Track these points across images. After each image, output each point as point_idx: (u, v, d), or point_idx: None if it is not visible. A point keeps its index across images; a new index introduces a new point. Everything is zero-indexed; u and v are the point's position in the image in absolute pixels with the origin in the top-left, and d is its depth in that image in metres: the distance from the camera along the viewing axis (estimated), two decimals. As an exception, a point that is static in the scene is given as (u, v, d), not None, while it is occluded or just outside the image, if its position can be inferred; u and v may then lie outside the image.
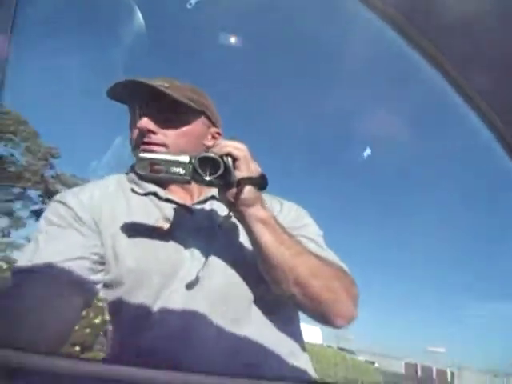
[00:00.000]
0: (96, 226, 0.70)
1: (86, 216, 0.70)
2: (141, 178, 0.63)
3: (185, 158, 0.61)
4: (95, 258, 0.68)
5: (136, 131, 0.74)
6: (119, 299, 0.69)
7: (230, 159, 0.62)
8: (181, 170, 0.61)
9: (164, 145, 0.73)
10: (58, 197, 0.74)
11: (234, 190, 0.62)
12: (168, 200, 0.75)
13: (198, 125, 0.77)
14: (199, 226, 0.73)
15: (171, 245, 0.69)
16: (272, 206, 0.77)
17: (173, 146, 0.73)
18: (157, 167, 0.61)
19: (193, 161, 0.61)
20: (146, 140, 0.72)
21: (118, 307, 0.69)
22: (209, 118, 0.79)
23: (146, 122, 0.71)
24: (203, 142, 0.77)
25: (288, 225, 0.70)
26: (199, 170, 0.61)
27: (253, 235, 0.63)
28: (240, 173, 0.62)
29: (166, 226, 0.71)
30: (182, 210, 0.74)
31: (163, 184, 0.76)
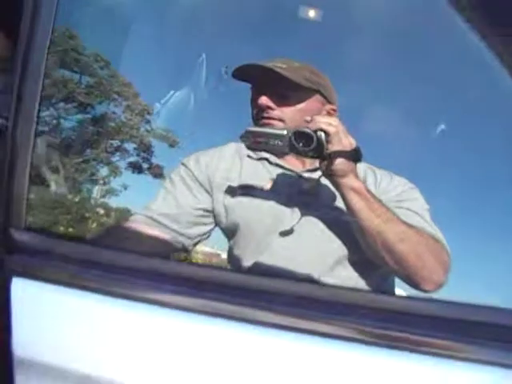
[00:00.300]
0: (209, 185, 0.82)
1: (201, 176, 0.82)
2: (247, 147, 0.73)
3: (283, 132, 0.70)
4: (199, 213, 0.80)
5: (257, 107, 0.82)
6: (230, 246, 0.82)
7: (322, 134, 0.68)
8: (279, 143, 0.70)
9: (281, 120, 0.82)
10: (183, 160, 0.85)
11: (326, 162, 0.69)
12: (278, 165, 0.84)
13: (313, 102, 0.83)
14: (303, 190, 0.81)
15: (274, 203, 0.79)
16: (382, 179, 0.82)
17: (289, 121, 0.81)
18: (259, 139, 0.71)
19: (289, 134, 0.70)
20: (265, 115, 0.80)
21: (229, 253, 0.82)
22: (324, 96, 0.84)
23: (265, 100, 0.80)
24: None
25: (396, 197, 0.77)
26: (295, 143, 0.69)
27: (346, 202, 0.71)
28: (332, 146, 0.68)
29: (272, 186, 0.80)
30: (289, 174, 0.83)
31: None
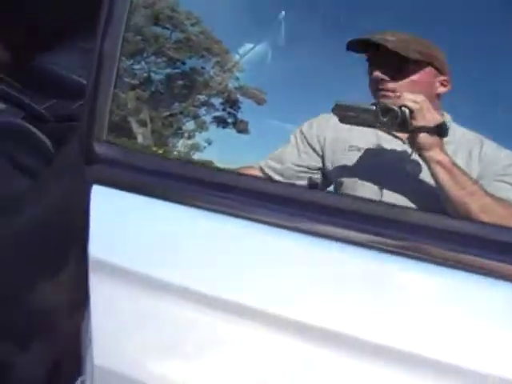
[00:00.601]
0: (319, 146, 0.96)
1: (312, 138, 0.96)
2: (339, 121, 0.82)
3: (372, 107, 0.78)
4: (301, 169, 0.94)
5: (372, 80, 0.89)
6: None
7: (407, 110, 0.75)
8: (368, 117, 0.78)
9: (396, 92, 0.86)
10: (301, 125, 0.99)
11: (411, 136, 0.78)
12: (387, 132, 0.91)
13: (425, 74, 0.88)
14: (403, 157, 0.89)
15: (374, 165, 0.90)
16: (489, 152, 0.85)
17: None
18: (349, 113, 0.79)
19: (377, 109, 0.76)
20: (380, 87, 0.87)
21: None
22: (436, 67, 0.88)
23: (378, 73, 0.87)
24: (432, 89, 0.87)
25: (500, 171, 0.82)
26: (381, 118, 0.76)
27: (432, 174, 0.79)
28: (416, 122, 0.76)
29: (374, 150, 0.91)
30: (394, 141, 0.91)
31: None
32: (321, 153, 0.96)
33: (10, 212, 1.28)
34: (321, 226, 0.63)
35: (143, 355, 0.73)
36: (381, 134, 0.91)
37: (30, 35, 2.19)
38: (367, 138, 0.92)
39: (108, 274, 0.71)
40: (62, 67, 2.21)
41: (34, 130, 1.67)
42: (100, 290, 0.72)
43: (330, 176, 0.95)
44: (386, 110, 0.76)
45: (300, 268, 0.62)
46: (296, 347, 0.61)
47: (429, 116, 0.77)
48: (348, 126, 0.90)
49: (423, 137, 0.77)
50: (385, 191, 0.86)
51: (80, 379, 0.82)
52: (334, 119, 0.91)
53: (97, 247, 0.71)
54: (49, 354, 1.08)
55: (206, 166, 0.84)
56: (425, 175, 0.85)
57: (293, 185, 0.91)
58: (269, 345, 0.64)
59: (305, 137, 0.97)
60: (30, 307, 1.08)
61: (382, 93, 0.87)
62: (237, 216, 0.66)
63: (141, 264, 0.70)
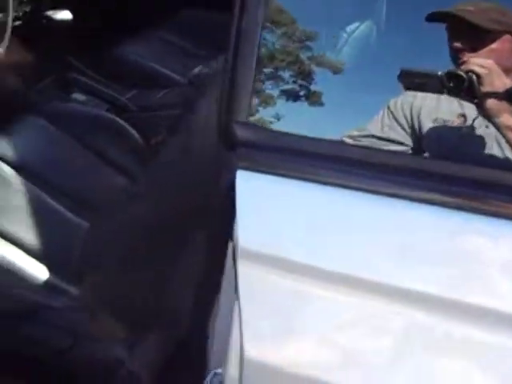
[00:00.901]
0: (405, 121, 0.95)
1: (398, 113, 0.95)
2: (405, 88, 0.85)
3: (437, 73, 0.77)
4: (382, 141, 0.93)
5: (452, 50, 0.88)
6: None
7: (474, 75, 0.76)
8: (434, 83, 0.78)
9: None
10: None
11: (479, 102, 0.79)
12: (470, 100, 0.89)
13: (504, 43, 0.87)
14: (484, 125, 0.87)
15: (460, 134, 0.90)
16: None
17: None
18: (415, 80, 0.81)
19: (443, 75, 0.76)
20: (460, 56, 0.86)
21: None
22: None
23: (457, 43, 0.86)
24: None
25: None
26: (447, 84, 0.76)
27: (506, 140, 0.78)
28: (483, 87, 0.76)
29: (459, 121, 0.89)
30: (476, 110, 0.88)
31: None
32: (407, 127, 0.96)
33: (120, 206, 1.35)
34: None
35: (298, 348, 0.72)
36: (464, 102, 0.89)
37: (112, 26, 2.30)
38: (451, 108, 0.91)
39: (260, 263, 0.70)
40: (142, 57, 2.28)
41: (121, 121, 1.74)
42: (251, 281, 0.70)
43: (419, 150, 0.95)
44: (451, 76, 0.77)
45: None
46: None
47: (497, 81, 0.78)
48: (434, 100, 0.91)
49: (491, 102, 0.79)
50: (474, 160, 0.86)
51: (211, 373, 0.82)
52: (420, 94, 0.93)
53: (246, 236, 0.70)
54: (175, 346, 1.14)
55: (361, 146, 0.84)
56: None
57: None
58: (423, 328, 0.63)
59: (391, 112, 0.97)
60: (163, 300, 1.14)
61: (461, 61, 0.86)
62: (396, 197, 0.66)
63: (296, 252, 0.69)
